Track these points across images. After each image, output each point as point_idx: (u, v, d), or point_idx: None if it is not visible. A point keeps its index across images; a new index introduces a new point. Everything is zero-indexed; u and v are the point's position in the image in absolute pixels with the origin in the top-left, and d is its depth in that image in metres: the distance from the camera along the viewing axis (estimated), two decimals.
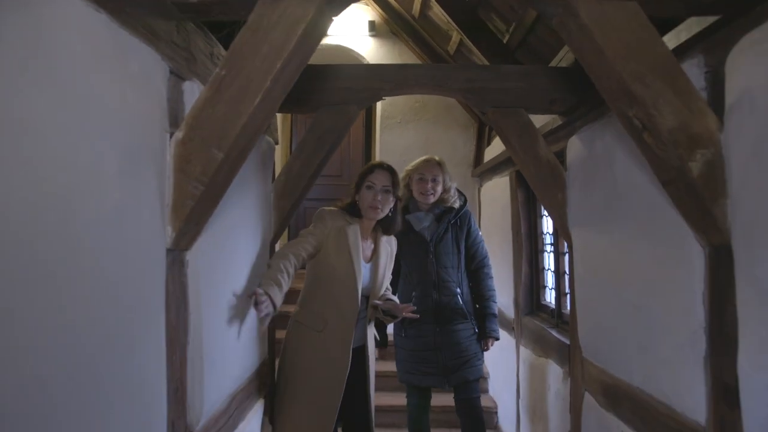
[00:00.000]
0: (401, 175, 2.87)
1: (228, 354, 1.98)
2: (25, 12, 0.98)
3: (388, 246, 2.71)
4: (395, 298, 2.71)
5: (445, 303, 2.99)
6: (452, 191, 3.11)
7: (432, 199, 3.04)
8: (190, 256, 1.63)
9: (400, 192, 2.75)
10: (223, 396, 1.95)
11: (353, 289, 2.46)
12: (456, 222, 3.07)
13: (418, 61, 5.37)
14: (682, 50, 1.61)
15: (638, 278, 1.91)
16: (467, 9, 3.70)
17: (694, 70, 1.55)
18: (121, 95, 1.29)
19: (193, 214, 1.53)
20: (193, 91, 1.65)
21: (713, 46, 1.51)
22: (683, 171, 1.45)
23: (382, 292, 2.63)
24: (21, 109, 0.96)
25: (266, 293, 2.07)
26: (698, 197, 1.45)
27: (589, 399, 2.36)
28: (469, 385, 3.00)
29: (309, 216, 3.54)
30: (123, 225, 1.29)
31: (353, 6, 5.45)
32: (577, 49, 1.59)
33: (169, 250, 1.50)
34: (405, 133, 5.52)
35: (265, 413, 2.47)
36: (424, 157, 3.13)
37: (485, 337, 3.03)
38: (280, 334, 2.63)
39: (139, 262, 1.37)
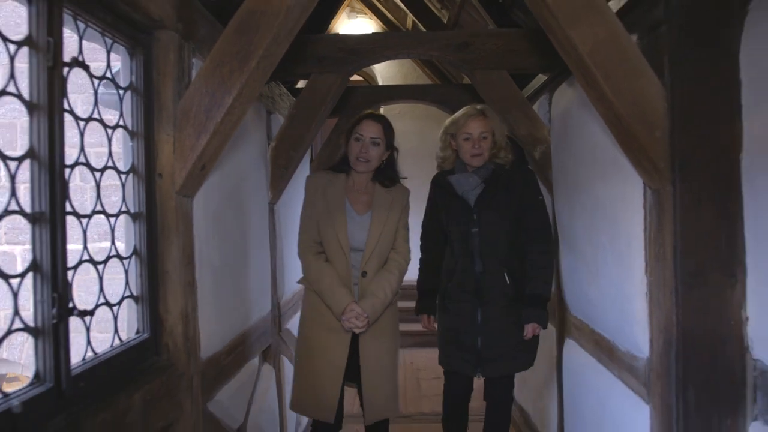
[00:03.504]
0: (440, 132, 2.63)
1: (294, 265, 3.40)
2: None
3: (389, 197, 2.46)
4: (378, 295, 2.36)
5: (489, 280, 2.49)
6: (504, 142, 2.56)
7: (481, 161, 2.50)
8: (276, 207, 3.05)
9: (443, 153, 2.61)
10: (290, 291, 3.38)
11: (339, 246, 2.36)
12: (508, 183, 2.51)
13: (415, 68, 6.76)
14: (539, 91, 2.98)
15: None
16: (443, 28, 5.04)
17: (544, 102, 2.92)
18: (252, 127, 2.70)
19: (278, 185, 2.95)
20: (277, 119, 3.06)
21: (552, 89, 2.88)
22: (533, 157, 2.84)
23: (385, 248, 2.44)
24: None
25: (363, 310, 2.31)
26: (540, 171, 2.84)
27: (570, 344, 2.78)
28: (503, 381, 2.62)
29: None
30: (258, 192, 2.72)
31: (359, 19, 6.86)
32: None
33: (269, 204, 2.94)
34: (403, 122, 6.88)
35: None
36: (464, 109, 2.57)
37: (523, 321, 2.48)
38: None
39: (262, 210, 2.80)
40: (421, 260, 2.75)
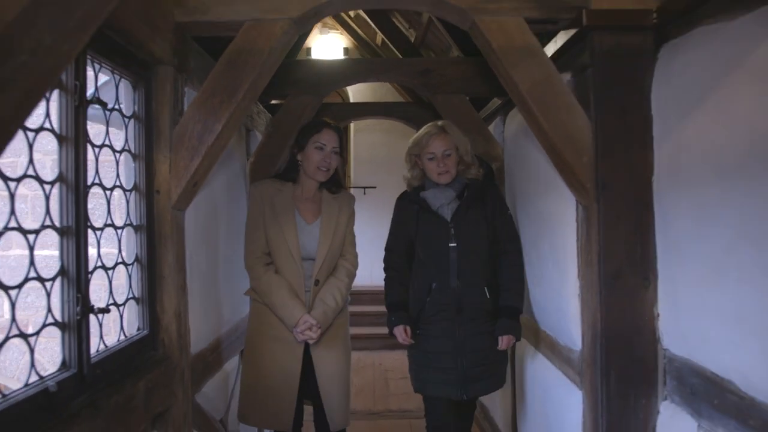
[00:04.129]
0: (406, 156, 2.60)
1: None
2: None
3: (336, 204, 2.49)
4: (329, 303, 2.38)
5: (467, 295, 2.45)
6: (471, 158, 2.57)
7: (449, 178, 2.48)
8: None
9: (410, 173, 2.59)
10: None
11: (291, 256, 2.35)
12: (482, 197, 2.52)
13: (386, 85, 7.05)
14: (495, 113, 3.31)
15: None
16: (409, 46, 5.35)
17: (499, 122, 3.24)
18: (234, 144, 2.94)
19: None
20: (255, 136, 3.30)
21: (505, 112, 3.20)
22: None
23: (336, 255, 2.48)
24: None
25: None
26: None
27: (522, 342, 2.91)
28: (473, 402, 2.64)
29: None
30: (238, 203, 2.96)
31: (331, 34, 7.14)
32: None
33: None
34: (372, 135, 7.18)
35: None
36: (425, 128, 2.56)
37: (497, 333, 2.47)
38: None
39: (241, 220, 3.04)
40: (388, 277, 2.65)
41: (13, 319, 1.21)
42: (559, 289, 2.41)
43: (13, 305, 1.21)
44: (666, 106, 1.89)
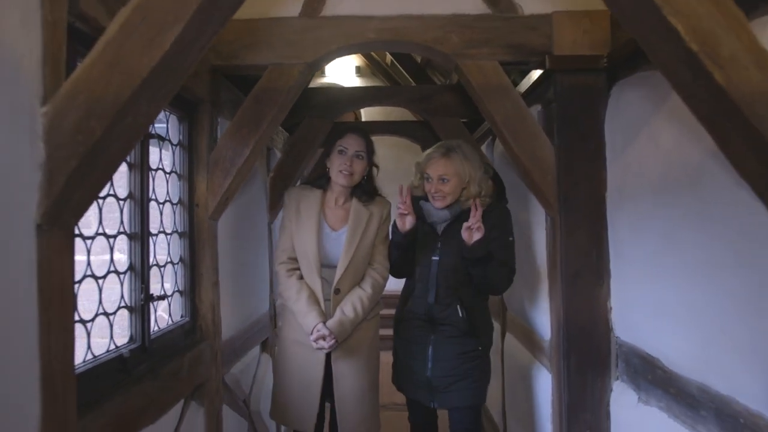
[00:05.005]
0: (414, 165, 2.58)
1: None
2: None
3: (366, 213, 2.44)
4: (347, 313, 2.35)
5: (440, 311, 2.44)
6: (475, 188, 2.44)
7: (443, 204, 2.44)
8: (273, 225, 3.72)
9: (416, 183, 2.53)
10: None
11: (311, 262, 2.36)
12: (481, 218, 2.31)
13: None
14: (486, 134, 3.71)
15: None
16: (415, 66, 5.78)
17: (491, 143, 3.64)
18: (258, 162, 3.37)
19: (275, 208, 3.64)
20: (274, 154, 3.74)
21: (494, 134, 3.60)
22: None
23: (360, 265, 2.43)
24: None
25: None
26: None
27: (509, 336, 3.46)
28: (460, 412, 2.50)
29: None
30: (260, 213, 3.38)
31: None
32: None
33: (268, 223, 3.61)
34: (379, 148, 7.53)
35: None
36: (432, 148, 2.53)
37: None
38: None
39: (263, 227, 3.46)
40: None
41: (100, 302, 1.64)
42: (534, 288, 2.80)
43: (100, 290, 1.64)
44: (616, 135, 2.29)
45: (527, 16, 2.39)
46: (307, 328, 2.32)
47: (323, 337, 2.28)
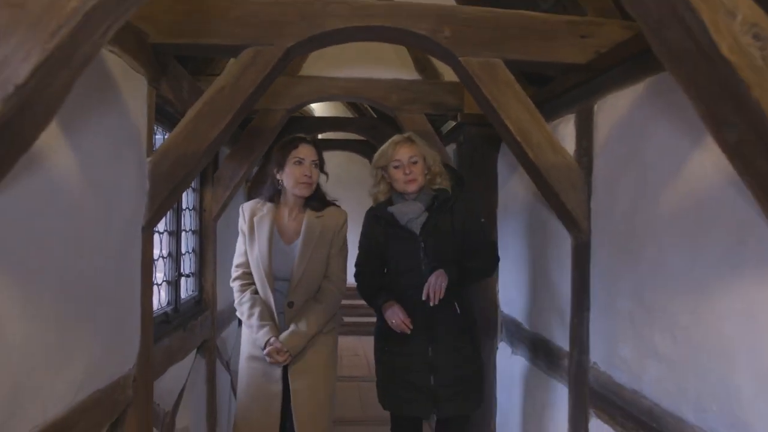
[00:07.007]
0: (372, 170, 2.54)
1: None
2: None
3: (319, 224, 2.42)
4: (300, 326, 2.35)
5: (439, 314, 2.35)
6: (438, 168, 2.50)
7: (416, 186, 2.41)
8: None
9: (377, 189, 2.51)
10: None
11: (264, 275, 2.36)
12: (451, 208, 2.42)
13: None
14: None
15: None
16: None
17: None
18: None
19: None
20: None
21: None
22: None
23: (314, 278, 2.41)
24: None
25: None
26: None
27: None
28: (460, 421, 2.48)
29: None
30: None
31: None
32: None
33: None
34: (329, 151, 8.47)
35: None
36: (389, 141, 2.50)
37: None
38: None
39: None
40: (360, 284, 2.53)
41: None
42: None
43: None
44: (504, 170, 3.31)
45: (446, 82, 3.38)
46: (260, 343, 2.33)
47: (277, 351, 2.30)
